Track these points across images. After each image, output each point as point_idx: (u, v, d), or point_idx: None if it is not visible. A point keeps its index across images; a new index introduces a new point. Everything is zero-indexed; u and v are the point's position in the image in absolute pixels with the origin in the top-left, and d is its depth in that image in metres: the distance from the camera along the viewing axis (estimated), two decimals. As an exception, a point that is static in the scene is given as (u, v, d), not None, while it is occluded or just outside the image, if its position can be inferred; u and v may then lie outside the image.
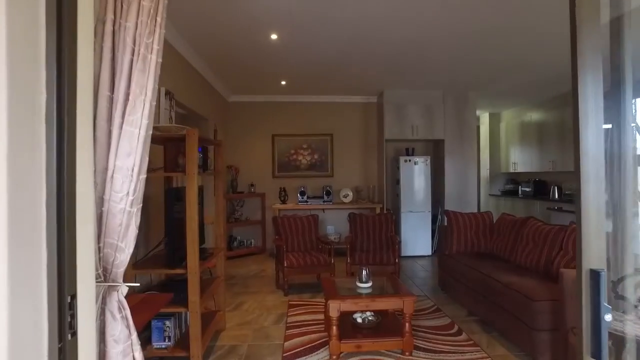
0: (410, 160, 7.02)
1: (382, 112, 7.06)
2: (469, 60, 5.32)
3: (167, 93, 4.12)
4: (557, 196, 7.28)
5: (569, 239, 3.59)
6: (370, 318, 3.37)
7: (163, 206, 2.94)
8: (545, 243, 3.85)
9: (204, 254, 3.28)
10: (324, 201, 7.23)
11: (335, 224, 7.54)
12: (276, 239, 5.16)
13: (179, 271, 2.80)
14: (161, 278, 3.32)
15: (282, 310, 4.26)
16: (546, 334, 3.01)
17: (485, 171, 9.51)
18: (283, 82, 6.47)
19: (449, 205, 7.15)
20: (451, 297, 4.65)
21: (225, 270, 6.17)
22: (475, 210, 7.22)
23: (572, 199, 6.94)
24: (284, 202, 7.32)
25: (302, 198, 7.23)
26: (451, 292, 4.63)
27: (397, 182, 7.15)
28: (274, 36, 4.37)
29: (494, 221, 4.90)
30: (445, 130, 7.15)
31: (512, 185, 8.97)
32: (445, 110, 7.16)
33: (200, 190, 3.61)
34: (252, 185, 7.39)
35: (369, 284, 3.44)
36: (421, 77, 6.22)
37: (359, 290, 3.39)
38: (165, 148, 3.27)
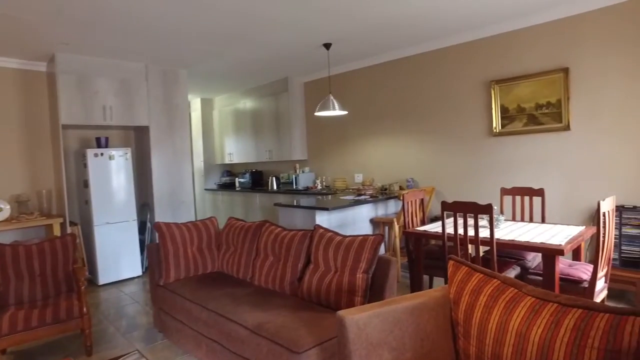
0: (103, 154, 5.16)
1: (55, 85, 4.91)
2: (182, 25, 4.01)
3: None
4: (275, 187, 6.96)
5: (317, 248, 2.87)
6: None
7: None
8: (288, 254, 3.04)
9: None
10: (-43, 222, 4.52)
11: (-16, 255, 4.89)
12: None
13: None
14: None
15: None
16: (314, 394, 2.14)
17: (199, 163, 8.49)
18: None
19: (161, 208, 5.72)
20: (175, 343, 3.32)
21: None
22: (193, 211, 6.07)
23: (289, 188, 6.73)
24: None
25: None
26: (174, 336, 3.30)
27: (86, 184, 5.17)
28: None
29: (220, 229, 3.85)
30: (150, 114, 5.62)
31: (229, 177, 8.31)
32: (150, 90, 5.62)
33: None
34: None
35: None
36: (114, 39, 4.49)
37: None
38: None
